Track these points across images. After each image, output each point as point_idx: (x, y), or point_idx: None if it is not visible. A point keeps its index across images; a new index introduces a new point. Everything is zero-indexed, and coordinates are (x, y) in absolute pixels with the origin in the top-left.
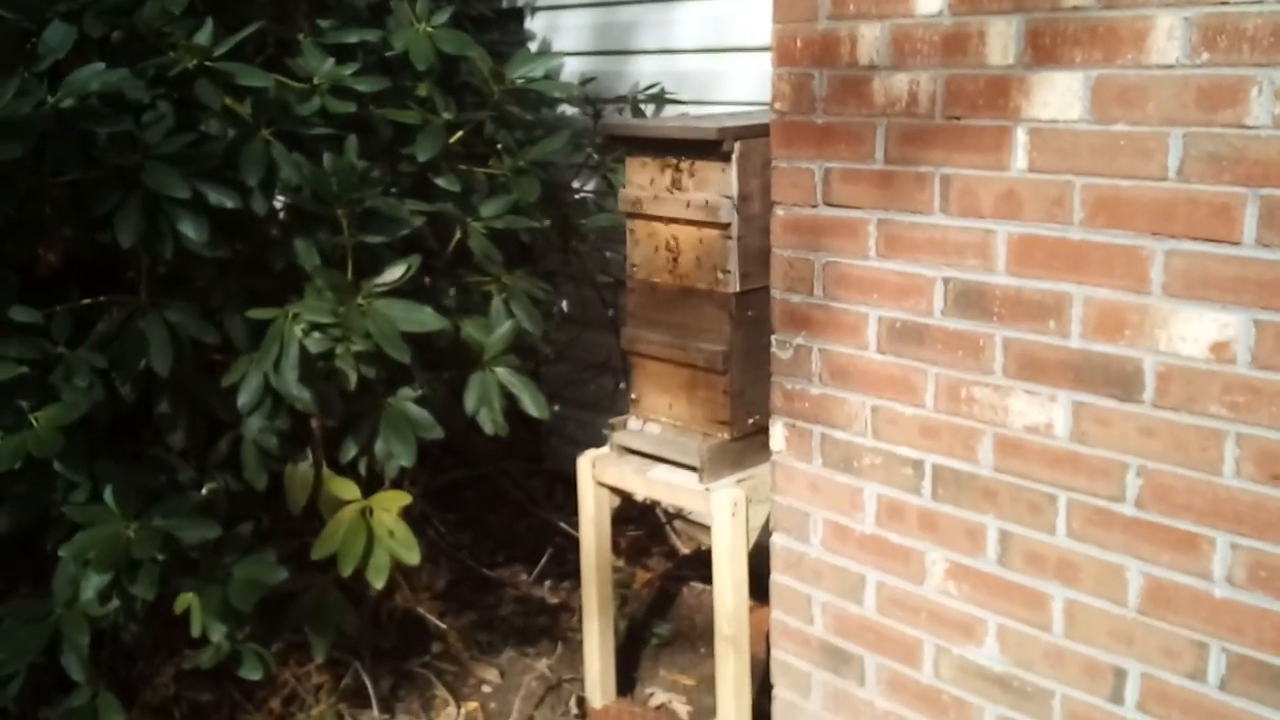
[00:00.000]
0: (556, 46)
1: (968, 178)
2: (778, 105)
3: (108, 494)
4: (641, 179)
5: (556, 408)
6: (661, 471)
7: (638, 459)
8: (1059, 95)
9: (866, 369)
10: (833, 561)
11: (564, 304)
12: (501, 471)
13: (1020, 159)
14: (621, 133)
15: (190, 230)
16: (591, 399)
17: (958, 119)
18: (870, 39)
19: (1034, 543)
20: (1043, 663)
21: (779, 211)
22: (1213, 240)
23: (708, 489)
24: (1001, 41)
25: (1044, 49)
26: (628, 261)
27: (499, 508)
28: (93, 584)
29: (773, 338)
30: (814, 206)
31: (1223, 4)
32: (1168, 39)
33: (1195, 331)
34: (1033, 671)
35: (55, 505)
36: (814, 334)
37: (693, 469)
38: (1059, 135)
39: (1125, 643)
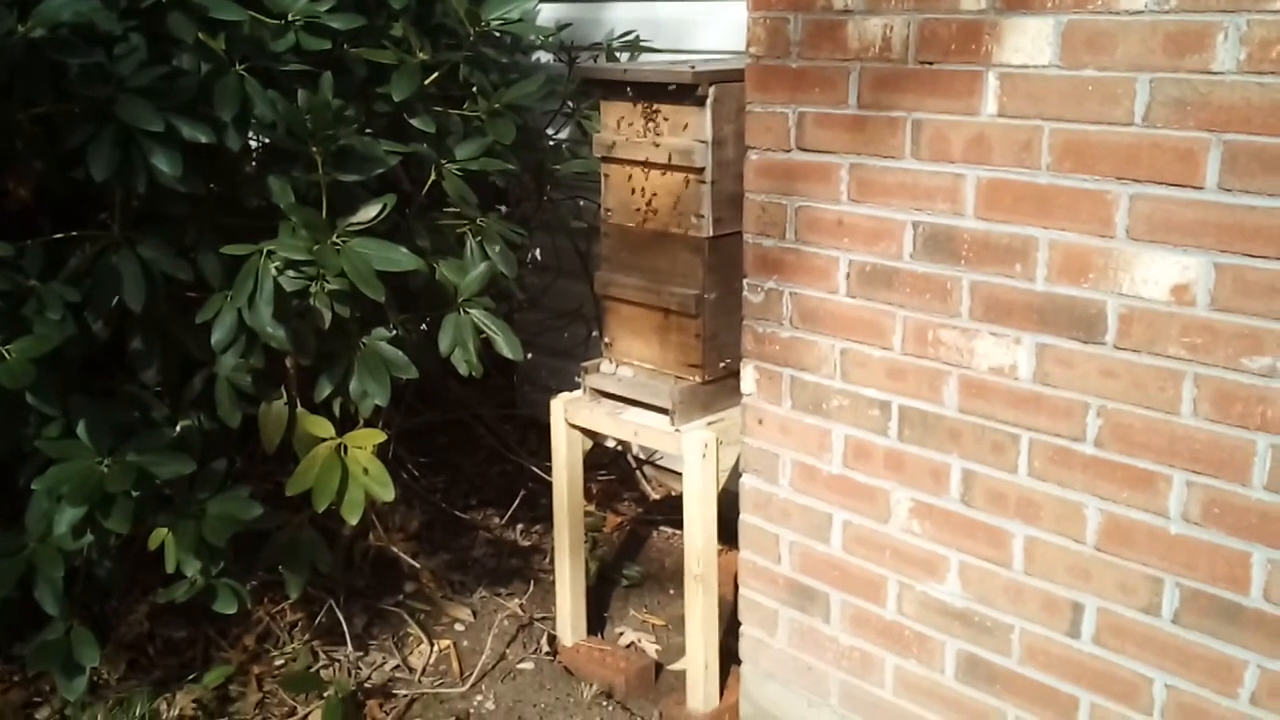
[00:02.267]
0: None
1: (939, 122)
2: (753, 49)
3: (81, 429)
4: (616, 123)
5: (529, 355)
6: (633, 414)
7: (610, 402)
8: (1030, 40)
9: (836, 312)
10: (801, 501)
11: (537, 252)
12: (475, 417)
13: (990, 104)
14: (597, 76)
15: (164, 164)
16: (564, 346)
17: (930, 64)
18: None
19: (996, 482)
20: (1003, 598)
21: (752, 156)
22: (1176, 185)
23: (679, 431)
24: None
25: None
26: (601, 206)
27: (472, 452)
28: (66, 518)
29: (744, 281)
30: (787, 151)
31: None
32: None
33: (1157, 274)
34: (993, 607)
35: (28, 440)
36: (785, 278)
37: (664, 412)
38: (1029, 80)
39: (1083, 578)
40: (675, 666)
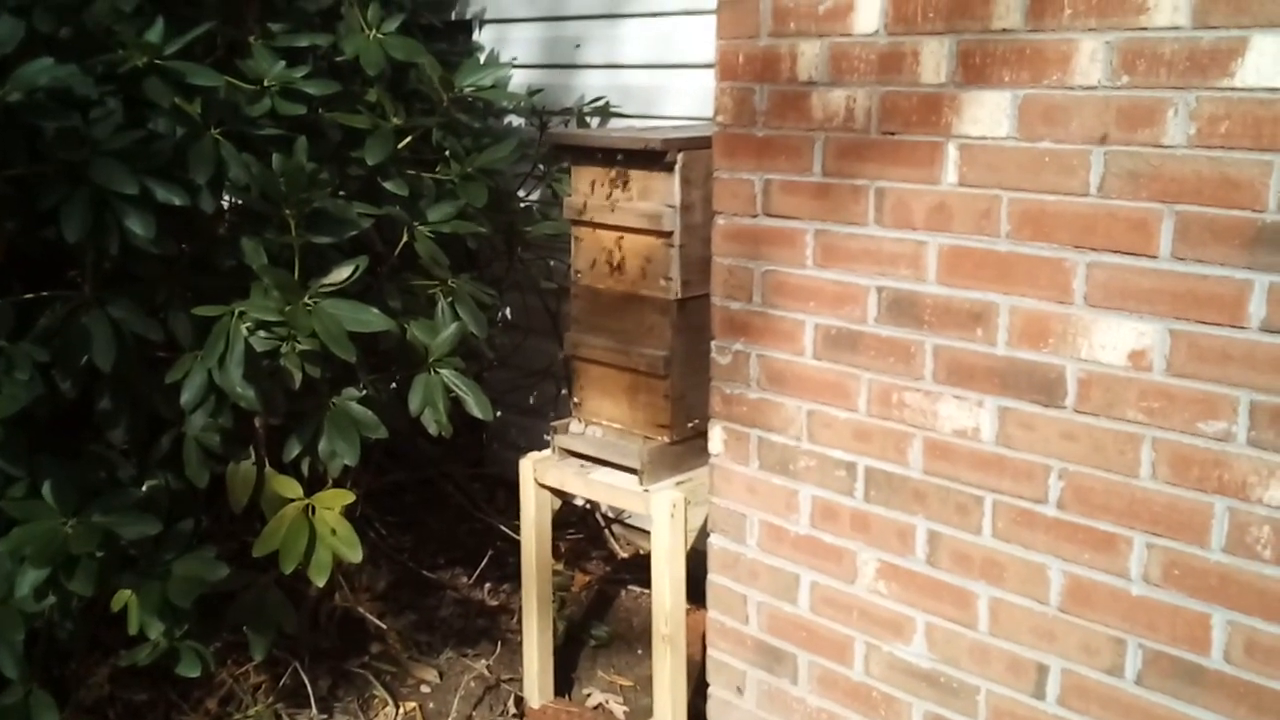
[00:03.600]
0: (504, 59)
1: (901, 190)
2: (720, 118)
3: (46, 489)
4: (586, 187)
5: (498, 413)
6: (602, 474)
7: (579, 461)
8: (988, 113)
9: (803, 374)
10: (768, 562)
11: (507, 311)
12: (443, 475)
13: (951, 173)
14: (568, 142)
15: (137, 226)
16: (534, 405)
17: (892, 134)
18: (810, 56)
19: (961, 543)
20: (968, 659)
21: (720, 221)
22: (1131, 253)
23: (647, 491)
24: (934, 61)
25: (974, 69)
26: (571, 268)
27: (440, 511)
28: (29, 580)
29: (712, 344)
30: (754, 216)
31: (1142, 30)
32: (1090, 61)
33: (1114, 340)
34: (959, 668)
35: None
36: (752, 340)
37: (633, 471)
38: (988, 151)
39: (1047, 639)
40: None
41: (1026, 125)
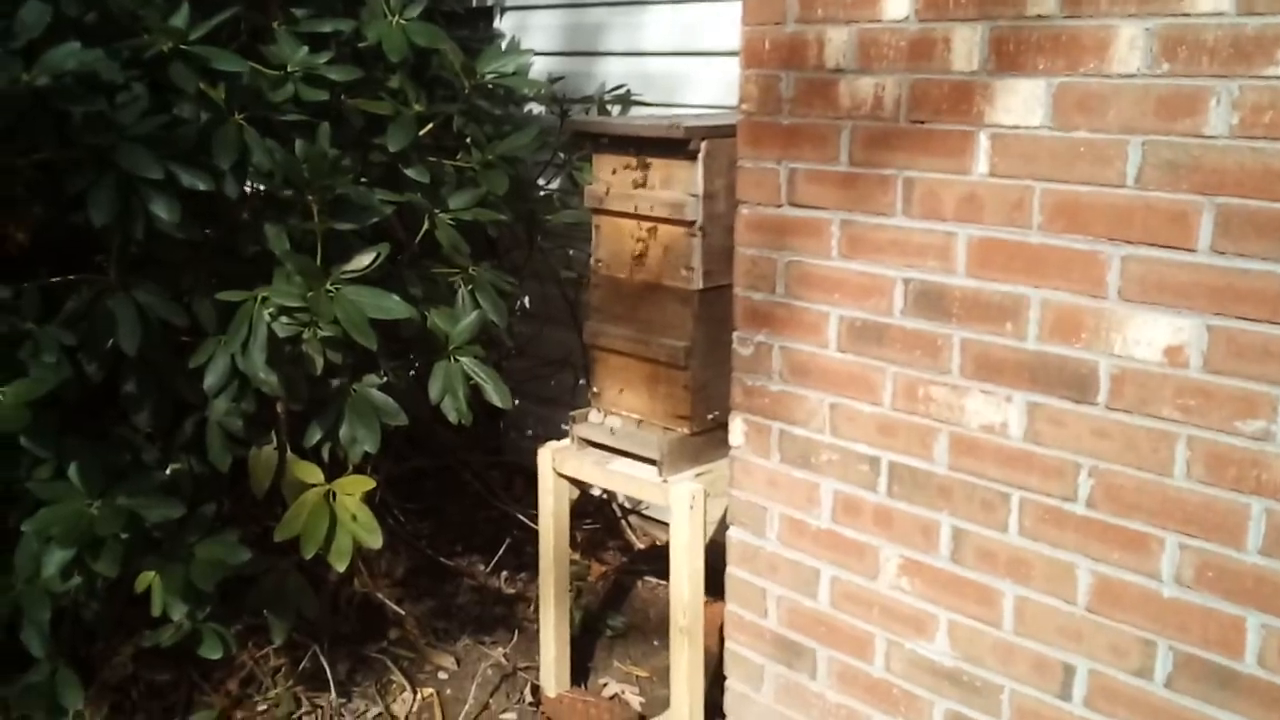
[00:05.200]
0: (525, 46)
1: (930, 180)
2: (745, 106)
3: (72, 471)
4: (608, 176)
5: (516, 402)
6: (621, 464)
7: (597, 452)
8: (1021, 102)
9: (826, 367)
10: (788, 556)
11: (526, 300)
12: (462, 463)
13: (982, 163)
14: (590, 129)
15: (162, 211)
16: (551, 394)
17: (921, 123)
18: (837, 42)
19: (986, 540)
20: (992, 658)
21: (743, 210)
22: (1169, 246)
23: (667, 482)
24: (966, 48)
25: (1008, 56)
26: (592, 257)
27: (458, 498)
28: (55, 560)
29: (734, 335)
30: (778, 206)
31: (1184, 16)
32: (1129, 49)
33: (1150, 335)
34: (982, 667)
35: (19, 481)
36: (775, 332)
37: (652, 462)
38: (1020, 141)
39: (1074, 640)
40: (661, 718)
41: (1061, 114)
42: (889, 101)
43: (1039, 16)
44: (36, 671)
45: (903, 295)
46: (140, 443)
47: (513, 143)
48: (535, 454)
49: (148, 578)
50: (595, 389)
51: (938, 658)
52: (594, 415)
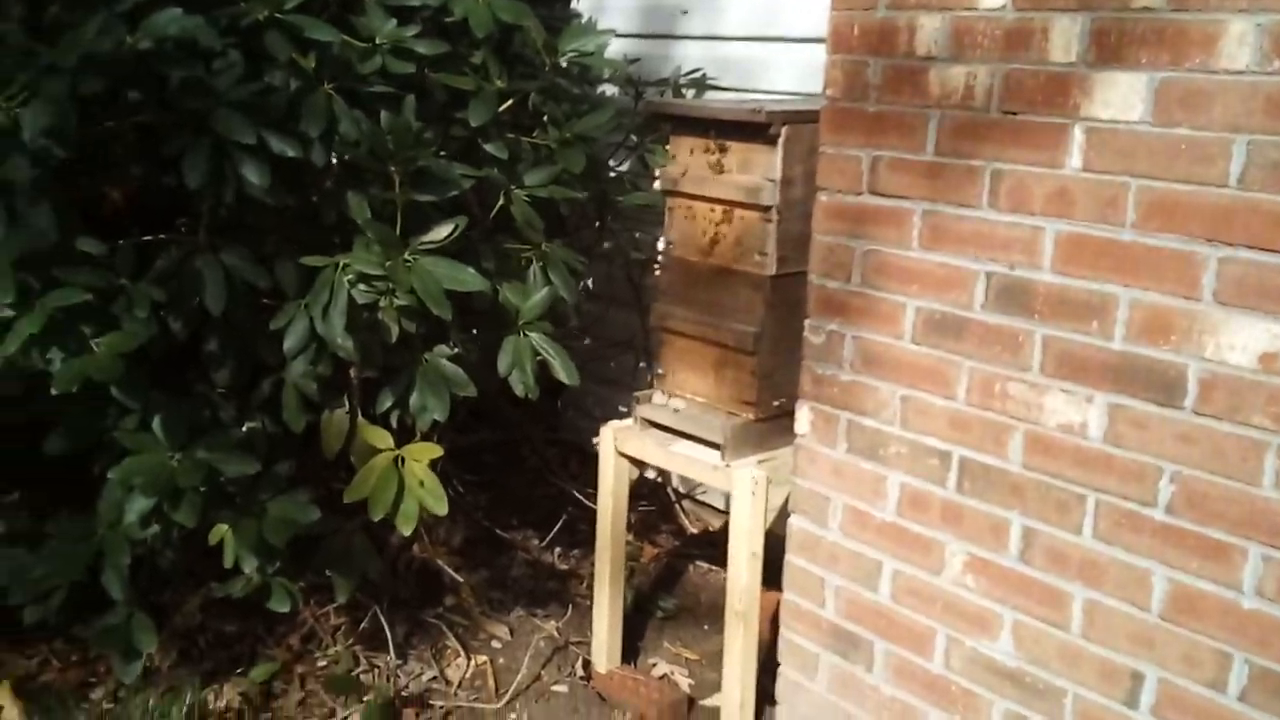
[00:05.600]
0: (601, 26)
1: (1020, 173)
2: (829, 91)
3: (156, 424)
4: (685, 158)
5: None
6: (683, 447)
7: (660, 433)
8: (1120, 96)
9: (900, 358)
10: (850, 547)
11: (590, 281)
12: (522, 438)
13: (1075, 157)
14: (669, 110)
15: (253, 175)
16: (612, 375)
17: (1014, 114)
18: (929, 30)
19: (1059, 541)
20: (1058, 661)
21: (822, 197)
22: (1271, 250)
23: (729, 466)
24: (1065, 39)
25: (1109, 48)
26: (664, 239)
27: (516, 473)
28: (136, 508)
29: (806, 322)
30: (859, 194)
31: None
32: (1239, 44)
33: (1245, 340)
34: (1046, 669)
35: (105, 431)
36: (848, 321)
37: (715, 446)
38: (1118, 136)
39: (1145, 647)
40: (708, 702)
41: (1163, 110)
42: (980, 91)
43: (1144, 9)
44: (114, 614)
45: (984, 289)
46: (219, 401)
47: (590, 122)
48: (593, 434)
49: (221, 530)
50: (661, 370)
51: (1000, 657)
52: (658, 396)
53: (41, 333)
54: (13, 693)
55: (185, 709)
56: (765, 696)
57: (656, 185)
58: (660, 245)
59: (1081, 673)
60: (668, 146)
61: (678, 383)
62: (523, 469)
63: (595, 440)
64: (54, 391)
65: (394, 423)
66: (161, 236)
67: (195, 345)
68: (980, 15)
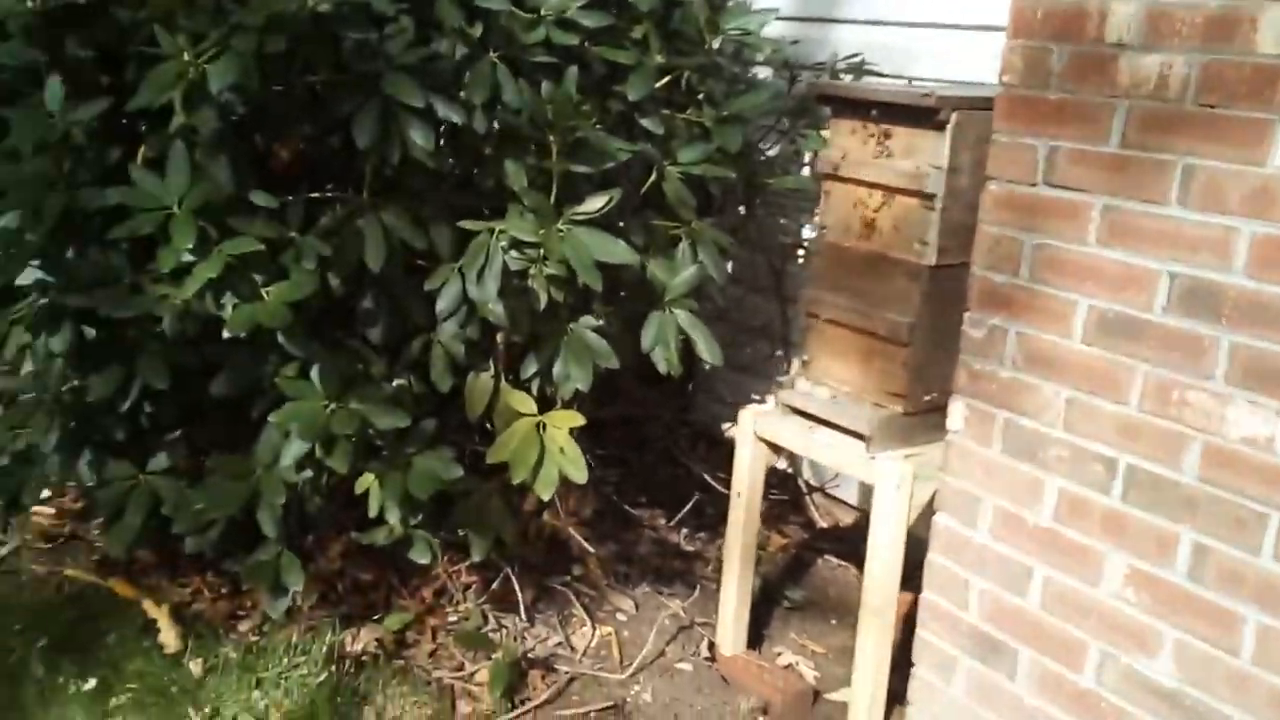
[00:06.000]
0: (758, 7)
1: (1215, 170)
2: (1006, 77)
3: (314, 373)
4: (845, 141)
5: (708, 366)
6: (825, 436)
7: (801, 420)
8: None
9: (1067, 358)
10: (999, 550)
11: (730, 264)
12: (653, 417)
13: (1278, 156)
14: (832, 92)
15: (419, 138)
16: (746, 362)
17: (1212, 107)
18: (1122, 15)
19: (1234, 560)
20: (1224, 686)
21: (992, 186)
22: None
23: (874, 459)
24: (1276, 30)
25: None
26: (818, 223)
27: (645, 452)
28: (292, 451)
29: (966, 315)
30: (1032, 185)
31: None
32: None
33: None
34: (1210, 694)
35: (266, 378)
36: (1013, 316)
37: (860, 437)
38: None
39: None
40: (835, 696)
41: None
42: (1175, 82)
43: None
44: (265, 551)
45: (1166, 290)
46: (369, 356)
47: (747, 101)
48: (723, 419)
49: (368, 480)
50: (806, 357)
51: (1159, 677)
52: (802, 383)
53: (218, 278)
54: (170, 617)
55: (325, 648)
56: (892, 696)
57: (805, 172)
58: (806, 232)
59: (1250, 700)
60: (824, 130)
61: (823, 370)
62: (650, 448)
63: (725, 426)
64: (225, 334)
65: (534, 391)
66: (327, 194)
67: (350, 302)
68: (1180, 2)
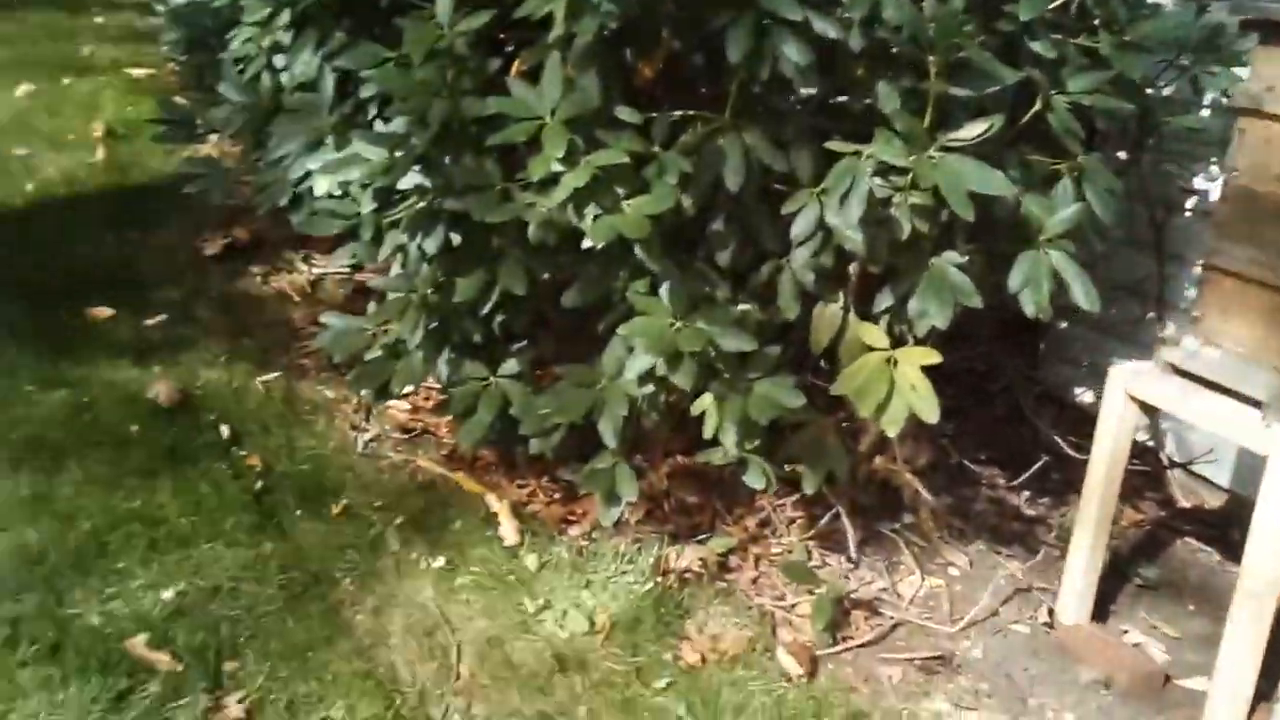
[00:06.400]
0: None
1: None
2: None
3: (664, 289)
4: (1273, 73)
5: (1064, 324)
6: (1209, 401)
7: (1184, 381)
8: None
9: None
10: None
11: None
12: (997, 371)
13: None
14: (1266, 16)
15: (793, 54)
16: (1107, 322)
17: None
18: None
19: None
20: None
21: None
22: None
23: (1269, 427)
24: None
25: None
26: (1228, 165)
27: (985, 406)
28: (637, 365)
29: None
30: None
31: None
32: None
33: None
34: None
35: (616, 292)
36: None
37: (1256, 404)
38: None
39: None
40: (1188, 683)
41: None
42: None
43: None
44: (602, 459)
45: None
46: (714, 279)
47: (1151, 26)
48: (1075, 384)
49: (706, 401)
50: (1198, 314)
51: None
52: (1189, 341)
53: (584, 189)
54: (510, 513)
55: (652, 560)
56: (1258, 694)
57: (1204, 113)
58: (1198, 182)
59: None
60: (1243, 63)
61: (1216, 329)
62: (994, 404)
63: (1077, 390)
64: (584, 245)
65: (884, 325)
66: (689, 113)
67: (700, 224)
68: None
